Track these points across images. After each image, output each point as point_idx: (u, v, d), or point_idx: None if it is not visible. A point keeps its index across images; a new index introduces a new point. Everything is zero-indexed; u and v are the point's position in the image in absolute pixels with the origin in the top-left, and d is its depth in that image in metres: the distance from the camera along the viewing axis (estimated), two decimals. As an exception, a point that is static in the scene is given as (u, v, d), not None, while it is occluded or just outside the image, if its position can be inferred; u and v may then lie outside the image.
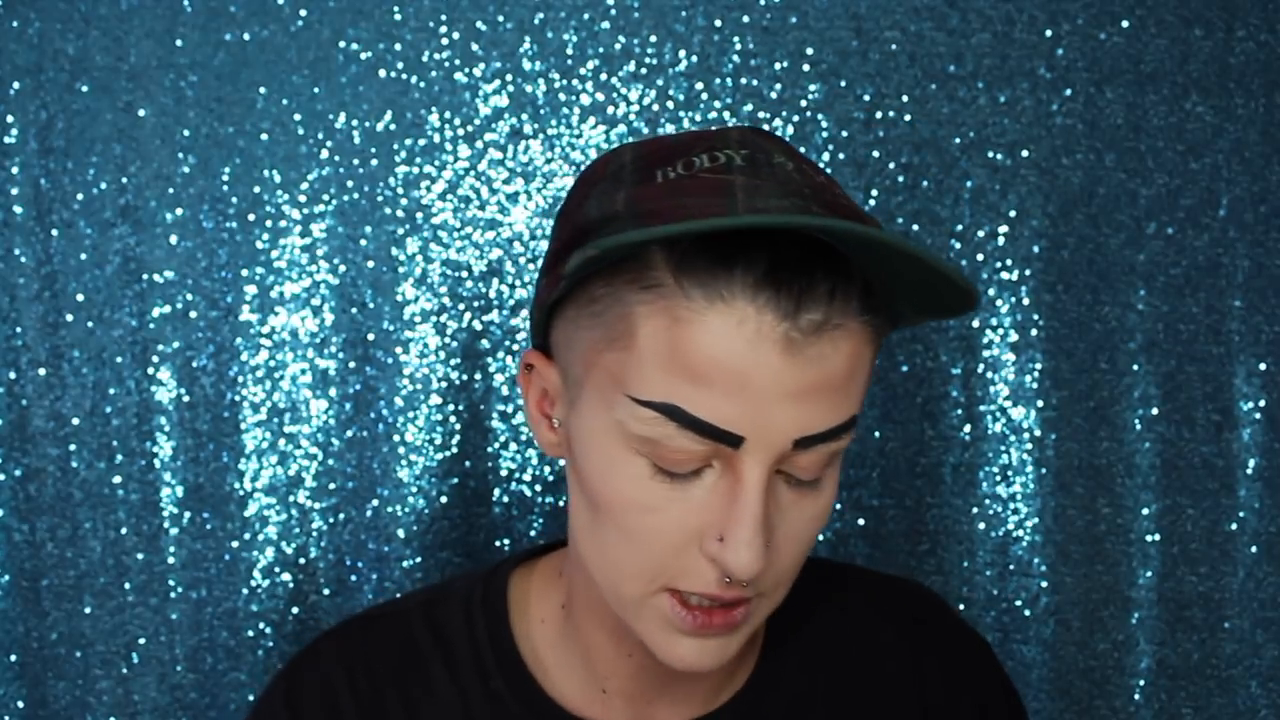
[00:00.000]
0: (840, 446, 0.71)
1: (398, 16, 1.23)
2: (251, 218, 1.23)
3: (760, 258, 0.67)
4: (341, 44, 1.23)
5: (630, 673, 0.81)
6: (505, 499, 1.26)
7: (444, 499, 1.26)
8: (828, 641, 0.87)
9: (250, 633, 1.25)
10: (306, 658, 0.87)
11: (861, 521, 1.29)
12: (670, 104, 1.25)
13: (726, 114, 1.25)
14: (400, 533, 1.25)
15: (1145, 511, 1.31)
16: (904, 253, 0.66)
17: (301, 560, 1.25)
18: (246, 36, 1.22)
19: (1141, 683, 1.31)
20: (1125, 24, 1.28)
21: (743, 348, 0.67)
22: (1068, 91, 1.28)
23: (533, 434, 0.79)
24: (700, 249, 0.68)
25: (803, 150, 1.26)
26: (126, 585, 1.24)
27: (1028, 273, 1.28)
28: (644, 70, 1.25)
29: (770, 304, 0.67)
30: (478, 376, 1.25)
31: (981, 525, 1.30)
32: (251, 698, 1.24)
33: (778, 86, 1.26)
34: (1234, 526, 1.31)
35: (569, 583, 0.82)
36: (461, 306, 1.25)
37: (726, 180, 0.70)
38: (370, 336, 1.24)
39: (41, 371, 1.22)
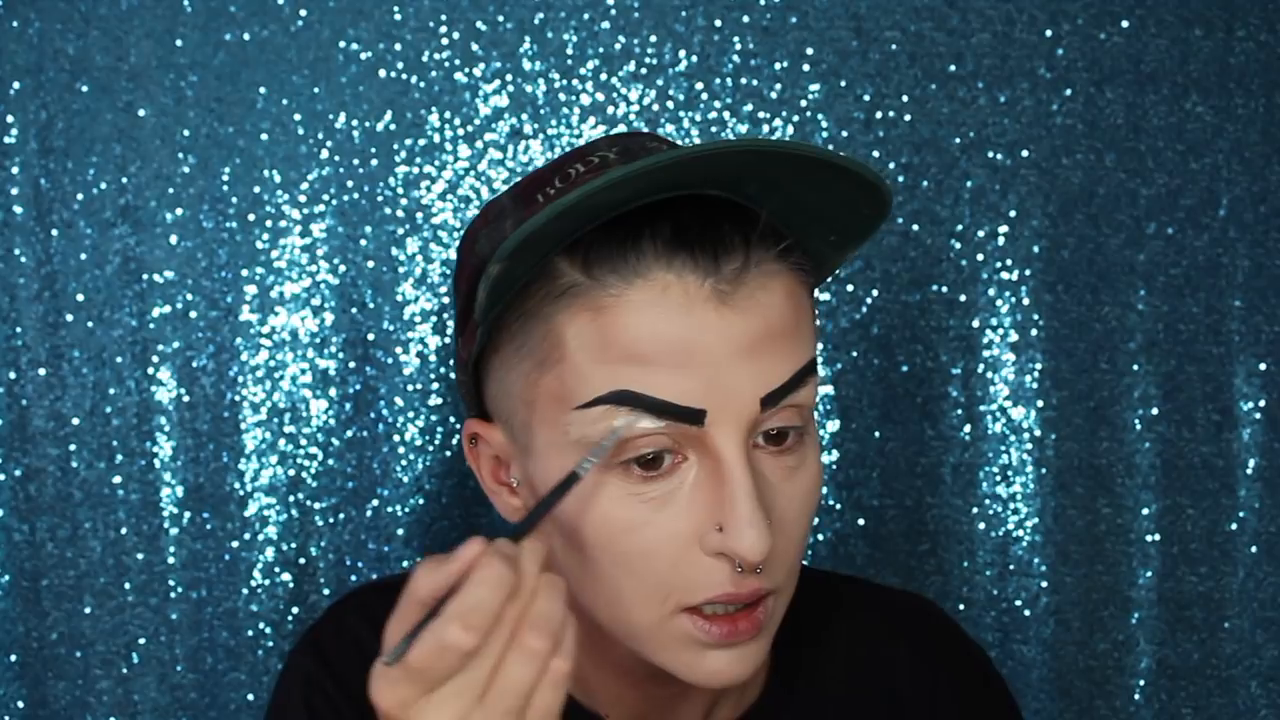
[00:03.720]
0: (809, 398, 0.69)
1: (398, 16, 1.23)
2: (251, 218, 1.23)
3: (663, 225, 0.66)
4: (341, 44, 1.23)
5: (634, 700, 0.79)
6: (505, 499, 1.26)
7: (444, 499, 1.26)
8: (838, 661, 0.86)
9: (250, 633, 1.25)
10: (331, 617, 0.84)
11: (861, 521, 1.29)
12: (670, 104, 1.25)
13: (726, 114, 1.25)
14: (400, 533, 1.25)
15: (1145, 511, 1.31)
16: (795, 158, 0.64)
17: (301, 560, 1.25)
18: (246, 36, 1.22)
19: (1141, 683, 1.31)
20: (1125, 24, 1.28)
21: (675, 315, 0.65)
22: (1068, 91, 1.28)
23: (495, 505, 0.77)
24: (602, 237, 0.66)
25: (803, 150, 1.26)
26: (126, 585, 1.24)
27: (1028, 273, 1.28)
28: (644, 70, 1.25)
29: (688, 264, 0.65)
30: (478, 376, 1.25)
31: (981, 525, 1.30)
32: (251, 697, 1.24)
33: (778, 86, 1.26)
34: (1234, 526, 1.31)
35: None
36: (461, 306, 1.25)
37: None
38: (370, 336, 1.25)
39: (41, 371, 1.22)
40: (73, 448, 1.23)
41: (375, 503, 1.25)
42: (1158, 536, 1.31)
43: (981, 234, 1.28)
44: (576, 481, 0.65)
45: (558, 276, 0.67)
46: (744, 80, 1.26)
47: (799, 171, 0.67)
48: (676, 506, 0.67)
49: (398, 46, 1.23)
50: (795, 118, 1.26)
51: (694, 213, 0.67)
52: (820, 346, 1.27)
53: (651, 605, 0.69)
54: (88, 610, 1.24)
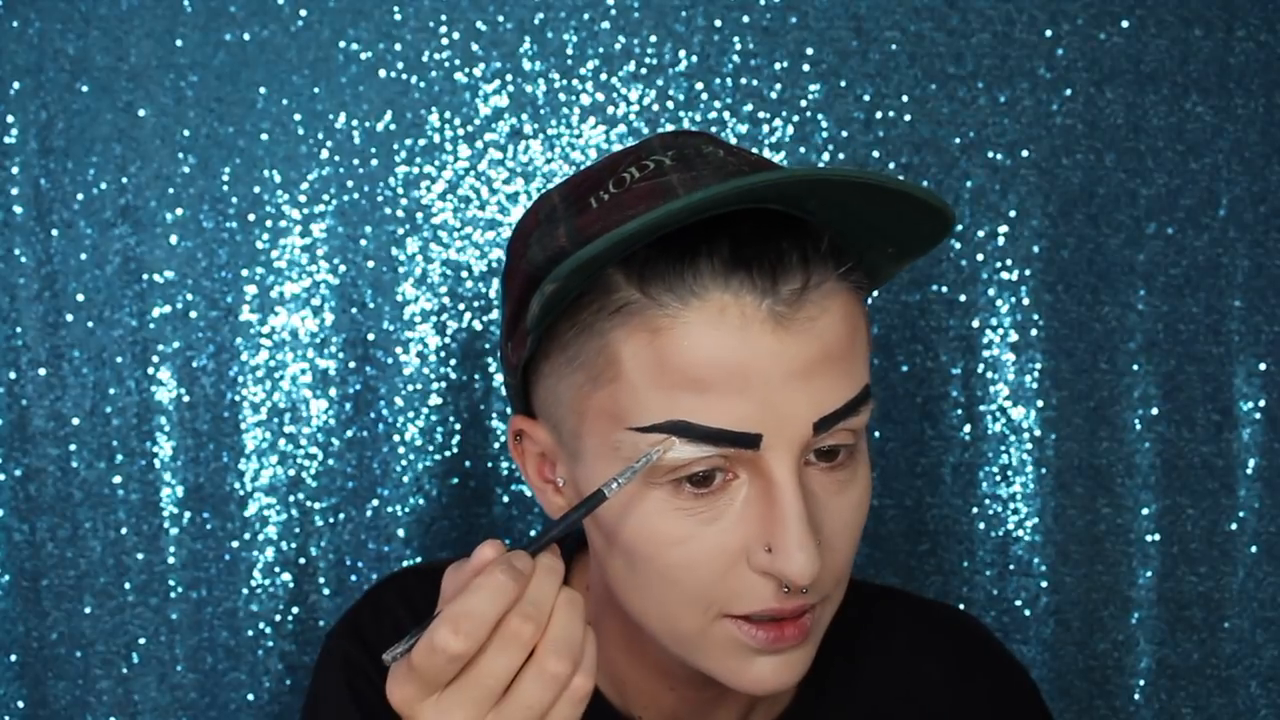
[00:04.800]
0: (862, 422, 0.68)
1: (398, 16, 1.23)
2: (251, 218, 1.23)
3: (721, 242, 0.65)
4: (341, 44, 1.23)
5: (670, 703, 0.79)
6: (505, 499, 1.26)
7: (444, 499, 1.26)
8: (871, 674, 0.85)
9: (250, 633, 1.25)
10: (369, 599, 0.84)
11: (861, 521, 1.29)
12: (670, 104, 1.25)
13: (726, 114, 1.25)
14: (400, 533, 1.25)
15: (1145, 511, 1.31)
16: (863, 185, 0.63)
17: (301, 560, 1.25)
18: (246, 36, 1.22)
19: (1141, 683, 1.31)
20: (1125, 24, 1.28)
21: (731, 338, 0.64)
22: (1068, 91, 1.28)
23: (540, 502, 0.77)
24: (658, 253, 0.65)
25: (802, 150, 1.26)
26: (126, 585, 1.24)
27: (1028, 273, 1.28)
28: (644, 70, 1.25)
29: (745, 285, 0.64)
30: (477, 376, 1.25)
31: (981, 525, 1.30)
32: (251, 697, 1.24)
33: (778, 86, 1.26)
34: (1234, 526, 1.31)
35: (598, 613, 0.78)
36: (461, 306, 1.25)
37: (663, 182, 0.68)
38: (370, 336, 1.25)
39: (41, 371, 1.22)
40: (73, 448, 1.23)
41: (375, 503, 1.25)
42: (1158, 536, 1.31)
43: (981, 234, 1.28)
44: (602, 501, 0.65)
45: (612, 291, 0.67)
46: (744, 80, 1.26)
47: (864, 193, 0.65)
48: (726, 523, 0.67)
49: (398, 46, 1.23)
50: (795, 118, 1.26)
51: (752, 229, 0.66)
52: (820, 346, 1.27)
53: (695, 612, 0.68)
54: (88, 610, 1.24)
